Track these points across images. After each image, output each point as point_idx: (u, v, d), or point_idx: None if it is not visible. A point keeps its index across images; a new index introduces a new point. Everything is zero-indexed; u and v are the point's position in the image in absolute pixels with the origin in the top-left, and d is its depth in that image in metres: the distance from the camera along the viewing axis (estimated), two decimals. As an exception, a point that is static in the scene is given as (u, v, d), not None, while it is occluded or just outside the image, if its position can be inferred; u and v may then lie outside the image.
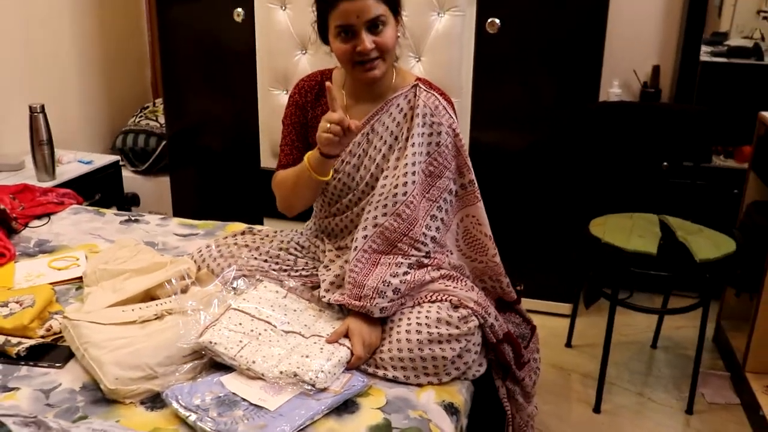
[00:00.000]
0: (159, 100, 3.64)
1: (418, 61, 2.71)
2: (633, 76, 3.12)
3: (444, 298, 1.62)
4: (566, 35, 2.65)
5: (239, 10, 2.89)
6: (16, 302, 1.73)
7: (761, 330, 2.38)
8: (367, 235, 1.67)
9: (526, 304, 2.88)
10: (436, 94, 1.75)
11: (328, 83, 1.60)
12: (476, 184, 1.80)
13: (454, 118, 1.76)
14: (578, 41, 2.65)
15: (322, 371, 1.48)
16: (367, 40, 1.62)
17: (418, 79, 1.80)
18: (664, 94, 3.14)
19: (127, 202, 3.28)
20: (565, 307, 2.93)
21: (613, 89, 3.06)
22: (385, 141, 1.74)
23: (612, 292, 2.32)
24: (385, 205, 1.68)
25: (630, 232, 2.38)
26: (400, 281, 1.61)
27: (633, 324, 2.90)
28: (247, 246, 1.88)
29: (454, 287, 1.66)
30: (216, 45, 3.03)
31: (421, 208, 1.70)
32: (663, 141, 2.66)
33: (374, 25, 1.63)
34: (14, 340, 1.64)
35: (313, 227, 1.92)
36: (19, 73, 3.05)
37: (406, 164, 1.69)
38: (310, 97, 1.83)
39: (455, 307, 1.62)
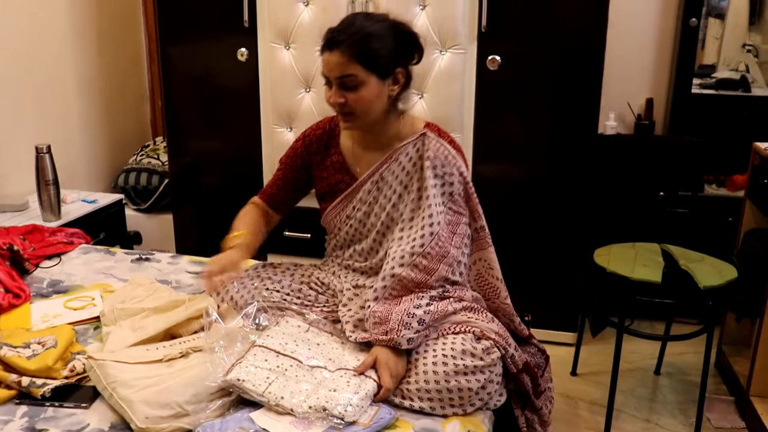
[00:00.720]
0: (159, 139, 3.68)
1: (420, 98, 2.77)
2: (627, 109, 3.21)
3: (467, 329, 1.65)
4: (564, 70, 2.72)
5: (243, 49, 2.94)
6: (39, 343, 1.74)
7: (764, 354, 2.43)
8: (386, 285, 1.70)
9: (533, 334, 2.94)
10: (445, 143, 1.77)
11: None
12: (487, 230, 1.84)
13: (464, 166, 1.79)
14: (576, 76, 2.72)
15: (351, 404, 1.50)
16: (336, 94, 1.69)
17: (427, 125, 1.82)
18: (658, 125, 3.22)
19: (129, 241, 3.29)
20: (570, 336, 2.98)
21: (609, 122, 3.14)
22: (395, 190, 1.77)
23: (619, 320, 2.37)
24: (402, 257, 1.70)
25: (634, 261, 2.44)
26: (424, 312, 1.65)
27: (636, 351, 2.95)
28: (270, 278, 1.90)
29: (476, 319, 1.69)
30: (219, 83, 3.07)
31: (446, 259, 1.72)
32: (658, 171, 2.74)
33: (346, 83, 1.67)
34: (39, 381, 1.64)
35: (330, 264, 1.96)
36: (22, 114, 3.07)
37: (423, 217, 1.71)
38: (316, 147, 1.90)
39: (478, 339, 1.65)
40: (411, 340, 1.61)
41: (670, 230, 2.82)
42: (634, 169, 2.75)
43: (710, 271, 2.37)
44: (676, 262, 2.45)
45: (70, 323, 1.94)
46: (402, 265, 1.69)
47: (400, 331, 1.60)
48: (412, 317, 1.63)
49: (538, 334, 2.97)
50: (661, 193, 2.96)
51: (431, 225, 1.71)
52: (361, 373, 1.60)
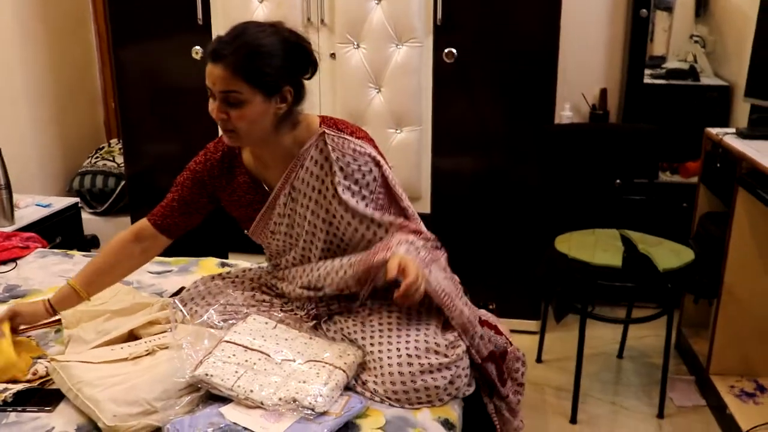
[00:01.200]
0: (114, 141, 3.61)
1: (378, 92, 2.78)
2: (582, 99, 3.26)
3: (429, 321, 1.65)
4: (519, 62, 2.76)
5: (198, 47, 2.91)
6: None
7: (721, 333, 2.49)
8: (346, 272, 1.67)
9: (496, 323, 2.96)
10: (346, 137, 1.67)
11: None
12: (410, 211, 1.75)
13: (375, 151, 1.69)
14: (531, 68, 2.76)
15: (321, 395, 1.49)
16: (217, 109, 1.58)
17: (322, 121, 1.70)
18: (612, 115, 3.28)
19: (86, 244, 3.23)
20: (533, 324, 3.01)
21: (564, 112, 3.19)
22: (310, 197, 1.69)
23: (582, 305, 2.40)
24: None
25: (594, 247, 2.48)
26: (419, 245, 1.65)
27: (599, 336, 3.00)
28: (221, 292, 1.85)
29: (456, 293, 1.69)
30: (173, 83, 3.03)
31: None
32: (614, 159, 2.79)
33: (229, 99, 1.55)
34: (-1, 386, 1.60)
35: (271, 269, 1.91)
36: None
37: (349, 220, 1.67)
38: (218, 171, 1.77)
39: (444, 330, 1.65)
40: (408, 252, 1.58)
41: (628, 216, 2.88)
42: (591, 157, 2.80)
43: (668, 254, 2.43)
44: (635, 247, 2.50)
45: (29, 327, 1.89)
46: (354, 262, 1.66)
47: (401, 245, 1.59)
48: (411, 243, 1.62)
49: (503, 323, 3.02)
50: (618, 181, 3.02)
51: (363, 220, 1.67)
52: (392, 278, 1.52)
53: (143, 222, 1.83)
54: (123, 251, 1.82)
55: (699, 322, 2.88)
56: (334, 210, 1.67)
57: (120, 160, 3.38)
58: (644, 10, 3.10)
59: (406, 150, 2.84)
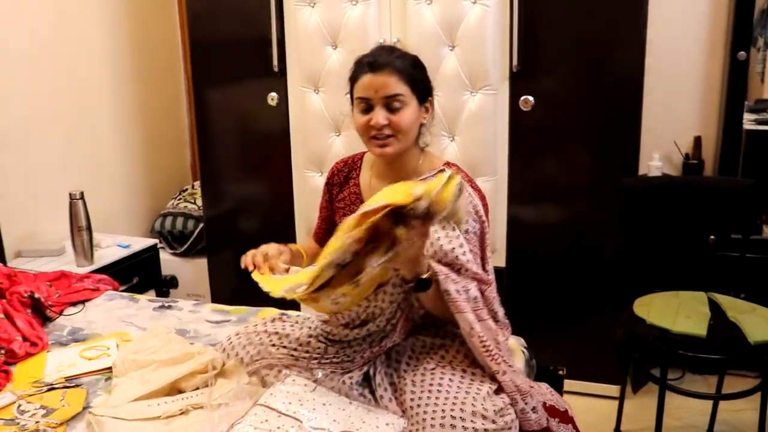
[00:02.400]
0: (198, 183, 3.69)
1: (452, 141, 2.69)
2: (674, 148, 3.05)
3: (482, 380, 1.58)
4: (601, 109, 2.61)
5: (273, 94, 2.93)
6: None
7: (826, 415, 2.22)
8: None
9: (571, 386, 2.78)
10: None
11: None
12: (493, 276, 1.73)
13: (480, 206, 1.72)
14: (614, 114, 2.60)
15: (353, 469, 1.41)
16: (381, 116, 1.66)
17: (447, 163, 1.78)
18: (708, 165, 3.05)
19: (165, 285, 3.29)
20: (613, 389, 2.80)
21: (653, 162, 2.99)
22: None
23: (660, 376, 2.20)
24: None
25: (677, 312, 2.28)
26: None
27: (687, 407, 2.74)
28: (276, 333, 1.83)
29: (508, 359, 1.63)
30: (251, 128, 3.07)
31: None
32: (708, 214, 2.57)
33: (391, 104, 1.66)
34: None
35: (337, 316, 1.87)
36: (60, 160, 3.13)
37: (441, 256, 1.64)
38: (337, 180, 1.90)
39: (495, 393, 1.56)
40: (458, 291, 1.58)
41: (721, 277, 2.64)
42: (681, 211, 2.58)
43: (762, 324, 2.20)
44: (723, 314, 2.27)
45: (82, 374, 1.91)
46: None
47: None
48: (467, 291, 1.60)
49: (580, 385, 2.84)
50: (712, 237, 2.78)
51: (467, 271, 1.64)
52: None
53: (311, 242, 2.01)
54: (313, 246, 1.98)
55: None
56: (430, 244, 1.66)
57: (201, 202, 3.43)
58: (743, 53, 2.88)
59: (481, 200, 2.73)
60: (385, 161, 1.76)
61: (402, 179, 1.74)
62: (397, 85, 1.65)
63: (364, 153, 1.88)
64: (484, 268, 1.70)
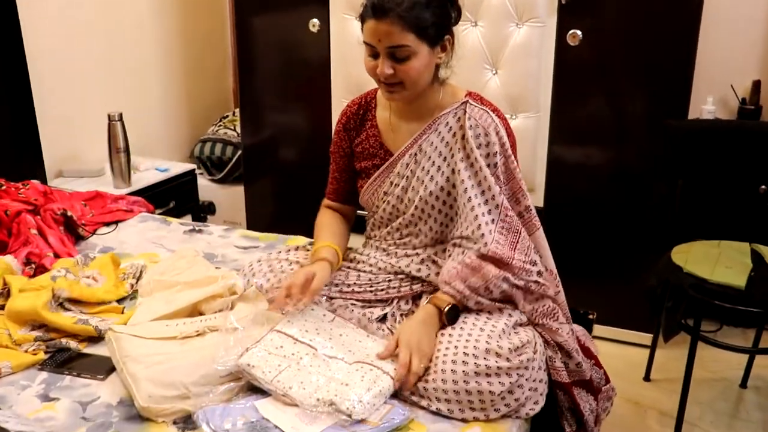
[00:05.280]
0: (238, 110, 3.67)
1: (494, 74, 2.60)
2: (730, 91, 2.89)
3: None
4: (652, 47, 2.47)
5: (315, 20, 2.86)
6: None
7: None
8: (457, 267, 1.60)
9: (601, 331, 2.73)
10: (488, 111, 1.65)
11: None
12: (534, 210, 1.68)
13: (506, 137, 1.65)
14: (666, 53, 2.47)
15: (361, 401, 1.40)
16: (386, 66, 1.57)
17: (468, 94, 1.70)
18: (766, 111, 2.89)
19: (202, 211, 3.31)
20: (645, 337, 2.74)
21: (707, 106, 2.84)
22: (434, 162, 1.67)
23: (693, 326, 2.14)
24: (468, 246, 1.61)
25: (716, 261, 2.19)
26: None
27: (721, 359, 2.67)
28: (298, 262, 1.82)
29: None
30: (292, 55, 3.01)
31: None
32: (761, 163, 2.44)
33: (396, 54, 1.56)
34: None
35: (369, 250, 1.84)
36: (101, 82, 3.13)
37: (484, 190, 1.62)
38: (353, 124, 1.81)
39: (514, 328, 1.54)
40: (479, 303, 1.56)
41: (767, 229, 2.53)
42: (733, 158, 2.46)
43: (806, 278, 2.10)
44: (766, 266, 2.18)
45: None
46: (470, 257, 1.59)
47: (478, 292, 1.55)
48: (489, 292, 1.57)
49: (610, 331, 2.79)
50: (763, 187, 2.65)
51: (493, 198, 1.61)
52: (384, 358, 1.51)
53: (325, 200, 1.91)
54: (336, 219, 1.88)
55: None
56: (455, 178, 1.64)
57: (240, 129, 3.42)
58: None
59: (522, 137, 2.60)
60: (406, 101, 1.69)
61: (424, 116, 1.70)
62: (401, 35, 1.53)
63: (376, 89, 1.80)
64: (519, 208, 1.65)
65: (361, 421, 1.39)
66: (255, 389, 1.48)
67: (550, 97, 2.63)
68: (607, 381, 1.76)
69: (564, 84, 2.61)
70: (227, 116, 3.62)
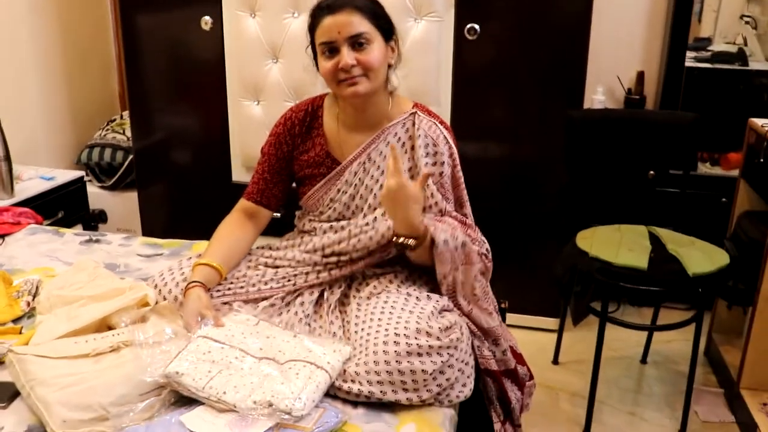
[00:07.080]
0: (126, 113, 3.50)
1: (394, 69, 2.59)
2: (617, 82, 3.03)
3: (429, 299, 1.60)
4: (547, 41, 2.55)
5: (207, 18, 2.76)
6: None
7: (756, 345, 2.28)
8: None
9: (511, 319, 2.79)
10: (436, 123, 1.69)
11: (392, 145, 1.58)
12: (471, 217, 1.74)
13: (454, 148, 1.70)
14: (560, 47, 2.55)
15: (299, 398, 1.36)
16: (348, 56, 1.58)
17: (416, 105, 1.72)
18: (649, 100, 3.05)
19: (93, 220, 3.13)
20: (552, 322, 2.83)
21: (596, 96, 2.97)
22: (383, 171, 1.67)
23: (602, 308, 2.22)
24: None
25: (619, 245, 2.28)
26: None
27: (622, 338, 2.80)
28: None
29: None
30: (184, 54, 2.90)
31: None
32: (648, 149, 2.56)
33: (357, 43, 1.59)
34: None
35: (296, 242, 1.79)
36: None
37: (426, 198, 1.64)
38: (298, 130, 1.76)
39: (441, 312, 1.55)
40: (446, 242, 1.58)
41: (660, 212, 2.66)
42: (623, 146, 2.57)
43: (700, 257, 2.22)
44: (664, 246, 2.29)
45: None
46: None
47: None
48: (455, 237, 1.61)
49: (519, 318, 2.86)
50: (651, 172, 2.80)
51: (437, 204, 1.65)
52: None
53: (243, 202, 1.82)
54: (241, 228, 1.80)
55: (732, 329, 2.66)
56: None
57: (130, 133, 3.26)
58: (689, -12, 2.85)
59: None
60: (354, 108, 1.68)
61: (373, 126, 1.70)
62: (360, 23, 1.58)
63: (322, 97, 1.78)
64: (462, 209, 1.71)
65: (301, 418, 1.35)
66: (178, 403, 1.41)
67: (450, 92, 2.65)
68: (531, 377, 1.80)
69: (463, 78, 2.64)
70: (114, 119, 3.44)
